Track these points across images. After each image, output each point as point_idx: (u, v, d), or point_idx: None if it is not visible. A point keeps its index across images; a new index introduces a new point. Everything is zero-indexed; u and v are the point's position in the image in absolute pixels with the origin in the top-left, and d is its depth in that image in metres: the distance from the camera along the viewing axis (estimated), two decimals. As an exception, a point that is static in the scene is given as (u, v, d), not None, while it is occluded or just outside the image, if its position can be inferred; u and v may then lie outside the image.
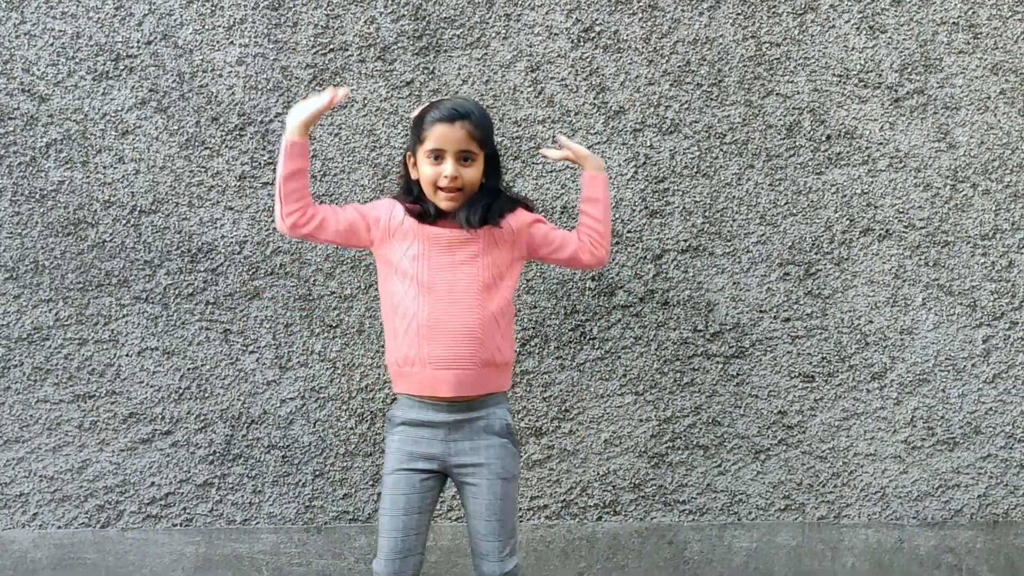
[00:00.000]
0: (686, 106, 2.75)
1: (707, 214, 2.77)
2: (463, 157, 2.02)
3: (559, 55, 2.73)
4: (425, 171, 2.03)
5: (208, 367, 2.75)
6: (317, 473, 2.77)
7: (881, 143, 2.77)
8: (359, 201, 2.72)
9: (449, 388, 2.03)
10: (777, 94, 2.76)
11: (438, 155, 2.01)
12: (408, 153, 2.10)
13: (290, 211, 2.06)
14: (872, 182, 2.78)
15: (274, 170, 2.72)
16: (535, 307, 2.76)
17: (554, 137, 2.69)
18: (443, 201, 2.03)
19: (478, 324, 2.03)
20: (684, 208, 2.76)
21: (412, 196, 2.10)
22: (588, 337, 2.77)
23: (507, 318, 2.10)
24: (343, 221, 2.10)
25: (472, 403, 2.06)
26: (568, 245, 2.19)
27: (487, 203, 2.06)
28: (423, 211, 2.06)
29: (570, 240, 2.20)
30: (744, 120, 2.76)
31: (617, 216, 2.75)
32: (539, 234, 2.16)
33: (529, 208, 2.17)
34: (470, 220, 2.03)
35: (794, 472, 2.82)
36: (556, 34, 2.73)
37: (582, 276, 2.75)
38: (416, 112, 2.09)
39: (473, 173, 2.04)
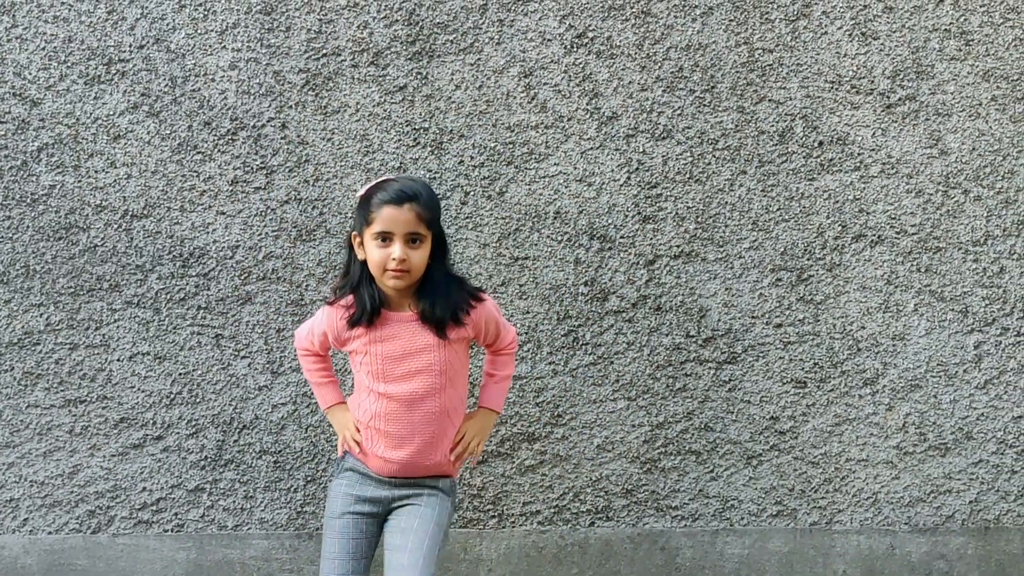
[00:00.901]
0: (679, 112, 2.76)
1: (700, 220, 2.77)
2: (411, 239, 2.00)
3: (552, 61, 2.74)
4: (373, 254, 2.01)
5: (200, 372, 2.74)
6: (309, 479, 2.76)
7: (873, 149, 2.78)
8: (351, 207, 2.72)
9: (398, 474, 2.09)
10: (769, 100, 2.77)
11: (386, 237, 2.00)
12: (353, 233, 2.08)
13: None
14: (864, 188, 2.78)
15: (268, 177, 2.72)
16: (527, 312, 2.75)
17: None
18: (390, 280, 2.01)
19: (433, 428, 2.07)
20: (677, 214, 2.77)
21: (354, 279, 2.08)
22: (581, 342, 2.77)
23: (463, 406, 2.15)
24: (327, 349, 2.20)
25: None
26: (495, 344, 2.20)
27: (446, 298, 2.04)
28: (362, 314, 2.05)
29: (499, 341, 2.20)
30: (736, 126, 2.76)
31: (610, 222, 2.75)
32: (492, 332, 2.16)
33: (479, 295, 2.13)
34: (432, 316, 2.03)
35: (786, 478, 2.82)
36: (549, 40, 2.73)
37: (575, 281, 2.75)
38: (362, 191, 2.07)
39: (420, 255, 2.02)
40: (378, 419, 2.07)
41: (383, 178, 2.09)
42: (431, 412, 2.06)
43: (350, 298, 2.08)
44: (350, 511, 2.08)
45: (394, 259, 1.98)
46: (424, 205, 2.00)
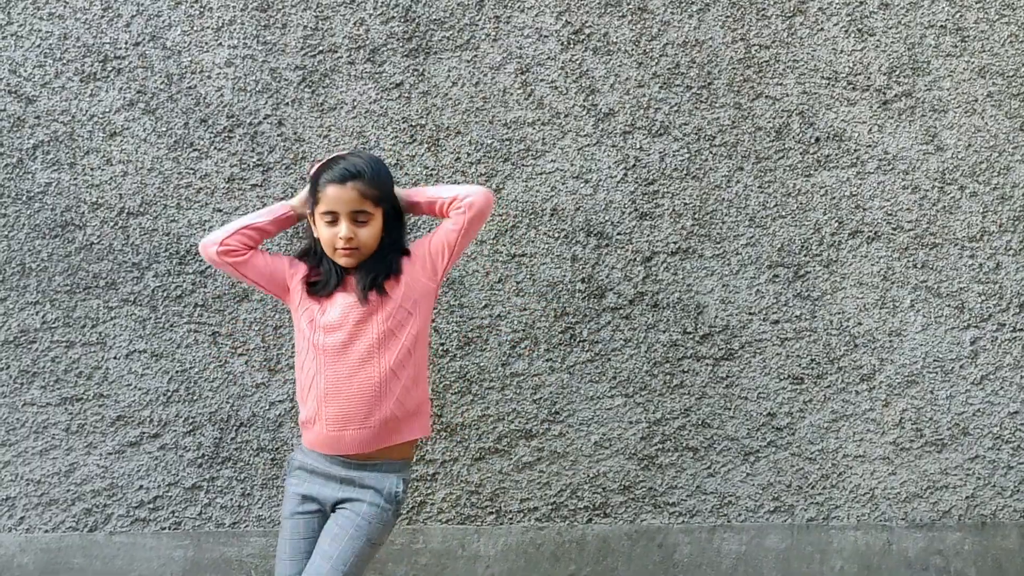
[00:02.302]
0: (676, 108, 2.76)
1: (697, 216, 2.77)
2: (356, 218, 2.00)
3: (549, 57, 2.74)
4: (322, 233, 2.03)
5: (196, 370, 2.74)
6: (306, 476, 2.76)
7: (869, 145, 2.78)
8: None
9: (347, 447, 2.04)
10: (766, 96, 2.77)
11: (333, 217, 2.01)
12: (308, 212, 2.09)
13: (231, 246, 2.10)
14: (861, 184, 2.78)
15: (265, 174, 2.71)
16: (524, 309, 2.75)
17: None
18: (341, 258, 2.03)
19: (374, 384, 2.02)
20: (674, 210, 2.77)
21: (316, 256, 2.10)
22: (578, 339, 2.77)
23: (412, 368, 2.07)
24: (271, 263, 2.13)
25: (370, 463, 2.05)
26: (442, 230, 2.10)
27: (375, 273, 2.04)
28: (324, 287, 2.06)
29: (442, 228, 2.10)
30: (733, 122, 2.77)
31: (607, 218, 2.75)
32: (438, 246, 2.09)
33: (406, 249, 2.11)
34: (364, 291, 2.03)
35: (783, 474, 2.82)
36: (546, 36, 2.73)
37: (572, 278, 2.75)
38: (313, 169, 2.06)
39: (369, 232, 2.02)
40: (319, 377, 2.04)
41: (333, 155, 2.09)
42: (370, 367, 2.02)
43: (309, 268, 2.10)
44: (298, 512, 2.08)
45: (340, 238, 2.00)
46: (368, 183, 2.00)
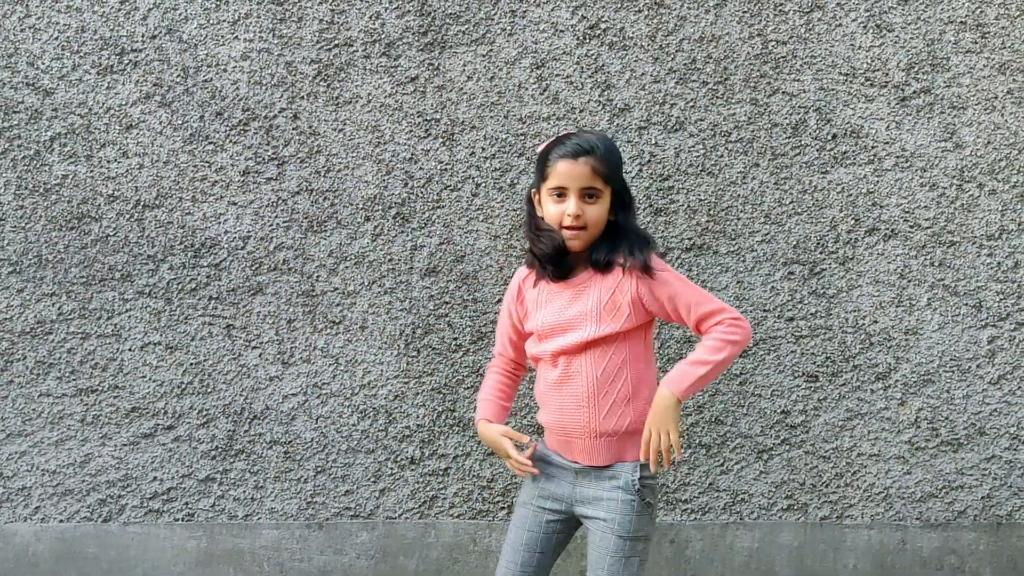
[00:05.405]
0: (691, 104, 2.74)
1: (712, 213, 2.76)
2: (587, 194, 1.90)
3: (564, 52, 2.73)
4: (549, 210, 1.93)
5: (211, 362, 2.75)
6: (319, 469, 2.77)
7: (887, 142, 2.76)
8: (362, 197, 2.72)
9: (567, 453, 1.97)
10: (783, 92, 2.75)
11: (561, 193, 1.91)
12: (533, 190, 2.00)
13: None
14: (878, 181, 2.76)
15: (280, 167, 2.72)
16: (538, 304, 2.75)
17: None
18: (569, 240, 1.92)
19: (584, 391, 1.92)
20: (689, 206, 2.75)
21: (537, 230, 1.96)
22: (591, 335, 2.76)
23: (628, 382, 1.92)
24: (517, 339, 2.08)
25: (597, 467, 1.96)
26: (693, 320, 1.95)
27: (612, 242, 1.93)
28: (555, 263, 1.94)
29: (694, 318, 1.95)
30: (750, 118, 2.75)
31: (621, 214, 2.75)
32: (679, 307, 1.94)
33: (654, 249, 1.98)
34: (597, 262, 1.93)
35: (797, 472, 2.81)
36: (562, 31, 2.72)
37: (586, 274, 2.75)
38: (542, 147, 1.98)
39: (597, 211, 1.91)
40: (538, 378, 1.99)
41: (563, 133, 2.01)
42: (581, 371, 1.92)
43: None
44: (531, 503, 1.99)
45: (569, 215, 1.89)
46: (600, 159, 1.91)
